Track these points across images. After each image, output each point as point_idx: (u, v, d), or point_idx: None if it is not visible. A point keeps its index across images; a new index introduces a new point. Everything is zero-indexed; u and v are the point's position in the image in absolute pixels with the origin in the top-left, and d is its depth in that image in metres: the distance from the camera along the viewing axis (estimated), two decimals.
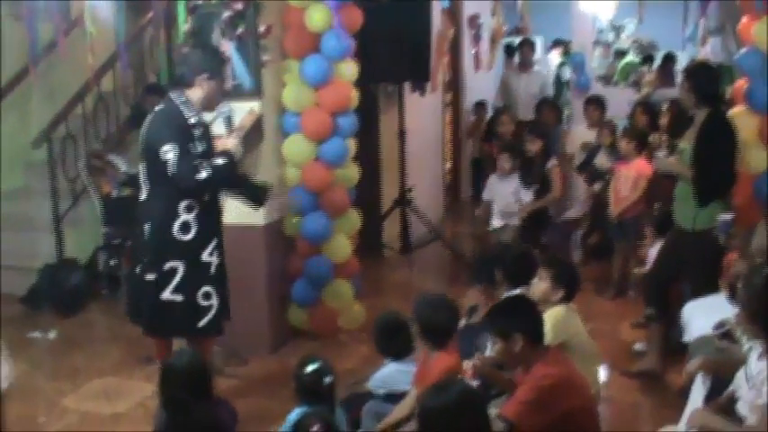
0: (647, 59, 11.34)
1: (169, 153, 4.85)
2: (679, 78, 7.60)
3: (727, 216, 5.33)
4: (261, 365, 6.15)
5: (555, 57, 14.09)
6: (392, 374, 4.80)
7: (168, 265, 5.04)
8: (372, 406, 4.70)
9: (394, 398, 4.66)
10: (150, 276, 5.08)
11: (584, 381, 4.05)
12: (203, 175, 4.89)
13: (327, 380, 4.20)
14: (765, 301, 3.24)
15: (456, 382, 3.64)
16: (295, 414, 4.08)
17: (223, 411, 3.99)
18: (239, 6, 5.95)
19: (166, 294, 5.06)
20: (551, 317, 4.52)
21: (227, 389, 5.50)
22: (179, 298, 5.07)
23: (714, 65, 6.07)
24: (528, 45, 11.42)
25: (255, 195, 5.49)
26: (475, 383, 4.09)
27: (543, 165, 7.94)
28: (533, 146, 8.02)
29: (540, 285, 4.74)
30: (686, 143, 5.51)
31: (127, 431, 5.25)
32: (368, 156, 8.20)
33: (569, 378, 3.87)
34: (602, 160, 8.29)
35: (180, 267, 5.05)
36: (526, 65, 11.21)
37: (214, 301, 5.18)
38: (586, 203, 8.43)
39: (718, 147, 5.32)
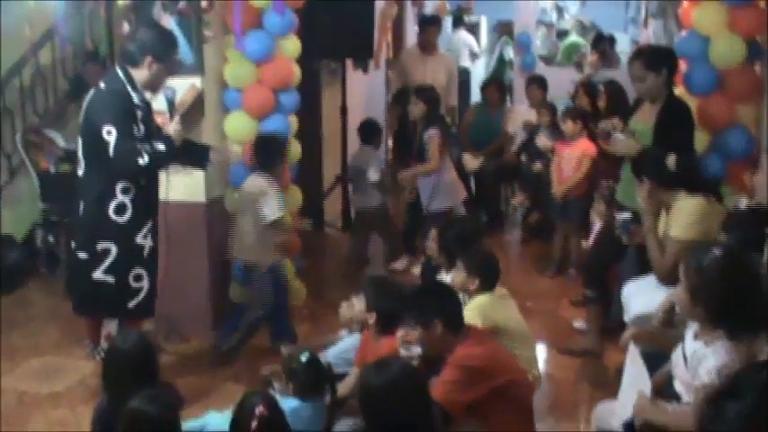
0: (599, 41, 11.35)
1: (111, 134, 4.79)
2: (623, 59, 7.65)
3: (625, 215, 5.37)
4: (202, 343, 6.11)
5: (463, 36, 14.16)
6: (352, 348, 4.79)
7: (101, 246, 5.00)
8: None
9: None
10: (82, 255, 5.04)
11: (510, 359, 4.13)
12: (144, 160, 4.83)
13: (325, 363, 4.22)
14: (709, 281, 3.27)
15: (396, 360, 3.65)
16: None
17: (167, 395, 3.95)
18: None
19: (98, 274, 5.03)
20: (475, 306, 4.57)
21: (167, 366, 5.46)
22: (110, 279, 5.04)
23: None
24: (434, 24, 9.50)
25: (198, 158, 5.43)
26: (415, 362, 4.10)
27: (423, 132, 7.47)
28: (416, 108, 7.54)
29: (457, 275, 4.76)
30: (641, 125, 5.57)
31: (65, 411, 5.18)
32: (309, 133, 8.16)
33: (493, 357, 3.95)
34: (542, 140, 8.34)
35: (113, 248, 5.01)
36: (430, 47, 9.31)
37: (145, 284, 5.15)
38: (457, 197, 7.79)
39: (680, 128, 5.37)
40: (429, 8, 11.58)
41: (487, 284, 4.72)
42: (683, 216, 4.81)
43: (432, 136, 7.39)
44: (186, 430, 3.78)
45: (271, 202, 5.68)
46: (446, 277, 5.00)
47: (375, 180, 7.74)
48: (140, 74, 5.03)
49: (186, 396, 4.76)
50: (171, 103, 5.25)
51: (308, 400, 4.19)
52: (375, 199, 7.86)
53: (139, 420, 3.40)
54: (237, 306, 6.05)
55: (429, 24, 9.46)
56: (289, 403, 4.04)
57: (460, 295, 4.43)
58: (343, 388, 4.49)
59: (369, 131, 8.08)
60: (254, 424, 3.45)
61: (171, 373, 5.24)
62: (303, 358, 4.24)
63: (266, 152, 5.95)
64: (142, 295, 5.16)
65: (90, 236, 5.02)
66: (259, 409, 3.49)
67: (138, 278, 5.12)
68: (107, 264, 5.02)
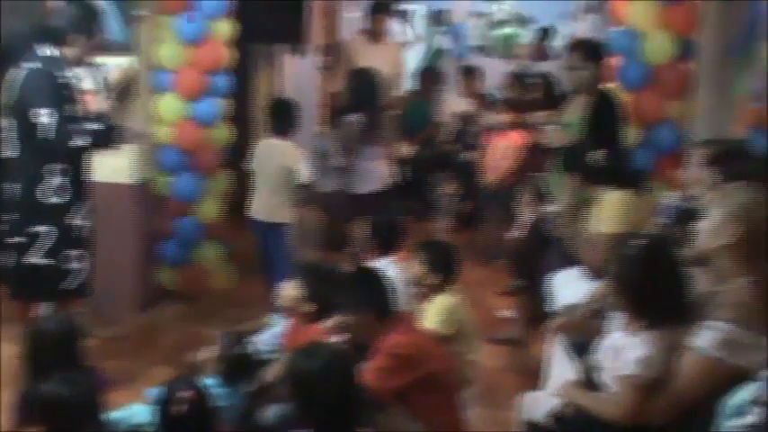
0: (545, 33, 11.41)
1: (44, 116, 4.70)
2: (557, 52, 7.72)
3: (554, 206, 5.43)
4: (129, 326, 6.06)
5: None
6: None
7: (35, 229, 4.90)
8: None
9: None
10: (15, 239, 4.93)
11: (437, 348, 4.13)
12: (78, 141, 4.77)
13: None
14: (632, 270, 3.32)
15: (325, 345, 3.65)
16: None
17: (92, 379, 3.89)
18: None
19: (32, 258, 4.92)
20: (443, 308, 4.56)
21: (93, 349, 5.38)
22: (45, 261, 4.94)
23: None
24: (382, 11, 9.03)
25: (104, 137, 5.31)
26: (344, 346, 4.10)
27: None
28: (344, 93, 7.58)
29: (415, 267, 4.70)
30: (573, 117, 5.62)
31: None
32: (242, 117, 8.11)
33: (421, 345, 3.96)
34: (474, 130, 8.39)
35: (47, 231, 4.90)
36: (378, 35, 8.82)
37: (81, 264, 5.06)
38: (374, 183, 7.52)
39: (609, 121, 5.44)
40: None
41: (448, 281, 4.68)
42: (610, 209, 4.87)
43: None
44: (112, 419, 3.73)
45: (305, 164, 6.24)
46: (380, 264, 4.98)
47: (339, 165, 7.67)
48: (69, 51, 4.93)
49: (114, 380, 4.70)
50: (103, 78, 5.16)
51: (234, 385, 4.15)
52: (336, 183, 7.78)
53: (53, 403, 3.34)
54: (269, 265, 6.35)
55: (377, 11, 8.95)
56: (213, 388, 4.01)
57: (413, 288, 4.50)
58: (270, 374, 4.46)
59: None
60: (181, 408, 3.42)
61: (98, 357, 5.15)
62: (227, 340, 4.19)
63: (283, 117, 6.34)
64: (79, 276, 5.08)
65: (23, 219, 4.90)
66: (187, 394, 3.46)
67: (74, 259, 5.03)
68: (41, 246, 4.91)
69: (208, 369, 4.27)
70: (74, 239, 5.02)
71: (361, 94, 7.26)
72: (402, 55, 9.54)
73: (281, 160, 6.23)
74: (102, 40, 5.33)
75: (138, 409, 4.04)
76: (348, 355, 3.64)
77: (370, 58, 8.40)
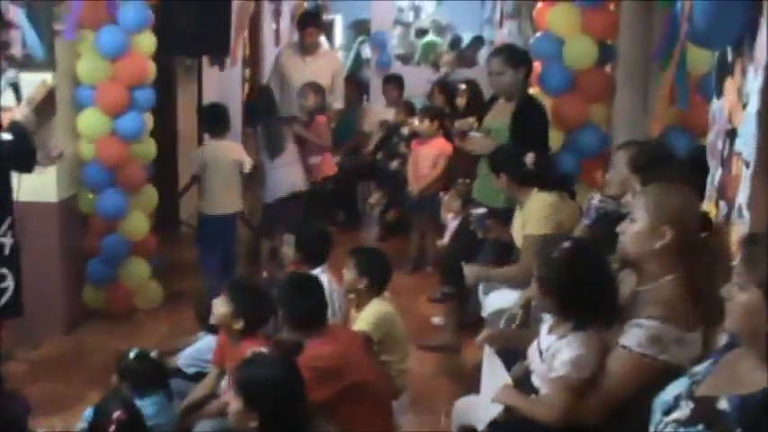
0: (456, 42, 11.49)
1: None
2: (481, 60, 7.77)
3: (481, 210, 5.48)
4: (54, 347, 5.95)
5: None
6: (207, 349, 4.72)
7: None
8: (175, 384, 4.61)
9: (201, 377, 4.59)
10: None
11: (362, 357, 4.16)
12: None
13: (155, 356, 4.12)
14: (558, 272, 3.35)
15: (272, 355, 3.63)
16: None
17: (14, 404, 3.81)
18: None
19: None
20: (372, 310, 4.59)
21: (19, 373, 5.29)
22: None
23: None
24: (313, 24, 8.83)
25: (23, 162, 5.18)
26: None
27: None
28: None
29: (347, 274, 4.72)
30: (496, 123, 5.68)
31: None
32: (164, 131, 8.03)
33: (344, 356, 3.97)
34: (398, 139, 8.42)
35: None
36: (310, 47, 8.66)
37: (10, 283, 4.92)
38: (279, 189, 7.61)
39: (535, 126, 5.50)
40: (286, 7, 11.54)
41: (378, 285, 4.70)
42: (536, 212, 4.94)
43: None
44: None
45: (246, 156, 7.05)
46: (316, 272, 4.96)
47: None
48: None
49: (39, 403, 4.62)
50: (16, 88, 5.02)
51: (145, 396, 4.09)
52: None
53: None
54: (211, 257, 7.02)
55: (307, 25, 8.76)
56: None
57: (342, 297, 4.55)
58: (201, 389, 4.42)
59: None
60: (111, 429, 3.38)
61: (23, 381, 5.07)
62: (131, 354, 4.13)
63: (215, 119, 7.14)
64: (7, 295, 4.92)
65: None
66: (117, 414, 3.41)
67: (2, 278, 4.90)
68: None
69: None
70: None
71: (257, 108, 7.82)
72: (339, 66, 9.39)
73: (229, 156, 6.97)
74: (10, 49, 5.21)
75: None
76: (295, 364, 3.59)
77: (303, 71, 8.46)
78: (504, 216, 5.41)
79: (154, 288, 6.73)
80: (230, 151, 7.02)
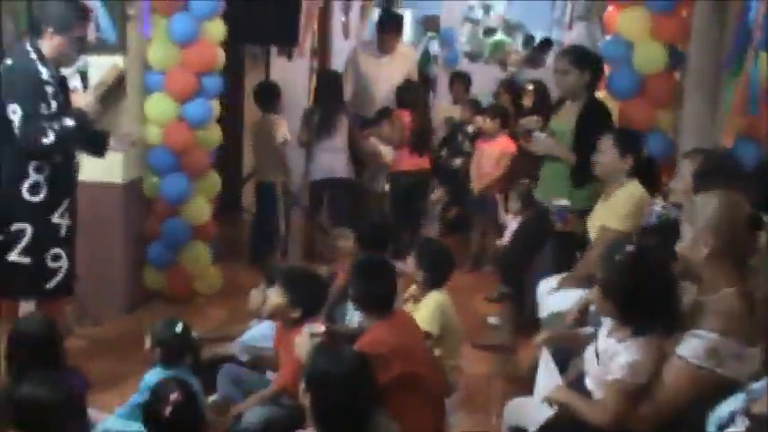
0: (528, 40, 11.43)
1: (16, 113, 4.63)
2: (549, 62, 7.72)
3: (562, 201, 5.44)
4: (114, 326, 6.03)
5: None
6: (261, 337, 4.75)
7: (16, 227, 4.83)
8: (229, 369, 4.65)
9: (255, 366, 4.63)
10: None
11: (419, 350, 4.13)
12: (50, 138, 4.67)
13: (196, 338, 4.16)
14: (620, 275, 3.32)
15: (348, 349, 3.61)
16: (149, 376, 4.01)
17: (73, 380, 3.86)
18: None
19: (13, 256, 4.86)
20: (435, 305, 4.56)
21: (78, 350, 5.37)
22: (27, 260, 4.88)
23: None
24: (394, 29, 8.48)
25: (96, 146, 5.24)
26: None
27: None
28: None
29: (408, 265, 4.73)
30: (562, 125, 5.64)
31: None
32: (231, 118, 8.11)
33: (399, 345, 3.92)
34: (463, 136, 8.40)
35: (28, 229, 4.84)
36: (387, 47, 8.37)
37: (63, 263, 5.02)
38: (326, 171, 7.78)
39: (599, 129, 5.44)
40: (355, 1, 11.53)
41: (437, 280, 4.68)
42: (622, 205, 4.94)
43: None
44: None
45: (283, 129, 7.60)
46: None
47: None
48: (46, 45, 4.82)
49: (98, 381, 4.68)
50: (84, 75, 5.08)
51: (171, 367, 4.11)
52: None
53: (30, 405, 3.28)
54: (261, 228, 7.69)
55: (389, 28, 8.44)
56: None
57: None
58: (253, 400, 4.32)
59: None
60: (167, 410, 3.41)
61: (82, 358, 5.15)
62: (177, 329, 4.16)
63: (264, 95, 7.75)
64: (60, 275, 5.02)
65: (3, 217, 4.86)
66: (173, 396, 3.44)
67: (57, 258, 4.98)
68: (23, 245, 4.85)
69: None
70: (55, 237, 4.97)
71: (320, 88, 8.01)
72: (414, 65, 9.10)
73: (270, 129, 7.56)
74: (86, 38, 5.28)
75: (110, 423, 4.05)
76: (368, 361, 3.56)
77: (379, 70, 8.38)
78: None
79: (213, 273, 6.79)
80: (273, 125, 7.56)
